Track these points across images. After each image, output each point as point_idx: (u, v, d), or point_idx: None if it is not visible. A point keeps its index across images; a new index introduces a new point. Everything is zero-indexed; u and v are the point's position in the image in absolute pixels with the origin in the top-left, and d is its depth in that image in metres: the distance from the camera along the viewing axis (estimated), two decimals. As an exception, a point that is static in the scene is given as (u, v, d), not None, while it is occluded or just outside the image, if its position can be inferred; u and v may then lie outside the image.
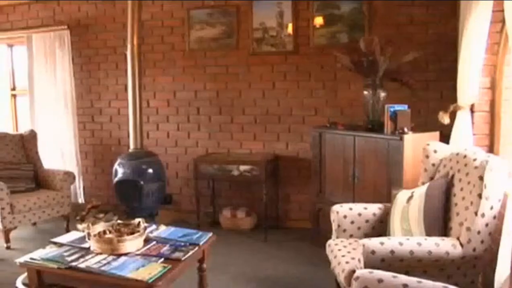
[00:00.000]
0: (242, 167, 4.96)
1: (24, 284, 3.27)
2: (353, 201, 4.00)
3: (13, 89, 6.88)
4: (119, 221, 3.31)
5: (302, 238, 4.95)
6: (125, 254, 2.88)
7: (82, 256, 2.89)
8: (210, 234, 3.28)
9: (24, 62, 6.45)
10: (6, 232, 4.92)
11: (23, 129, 6.26)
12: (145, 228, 3.16)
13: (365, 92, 4.33)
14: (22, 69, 6.61)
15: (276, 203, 5.40)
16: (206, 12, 5.50)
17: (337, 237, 3.36)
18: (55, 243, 3.19)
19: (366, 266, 2.55)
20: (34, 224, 5.49)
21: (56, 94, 6.20)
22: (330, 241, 3.32)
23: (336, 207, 3.42)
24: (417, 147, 3.65)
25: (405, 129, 3.80)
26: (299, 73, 5.22)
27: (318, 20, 5.09)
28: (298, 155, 5.32)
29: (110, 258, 2.83)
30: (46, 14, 6.29)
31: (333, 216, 3.41)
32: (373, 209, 3.39)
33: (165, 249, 2.98)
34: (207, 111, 5.61)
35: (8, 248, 4.89)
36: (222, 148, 5.58)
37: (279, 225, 5.36)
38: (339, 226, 3.36)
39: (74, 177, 5.57)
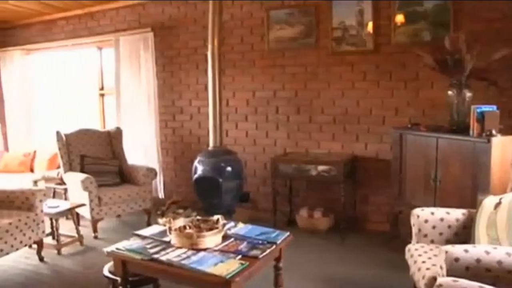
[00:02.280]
0: (320, 167, 4.92)
1: (110, 272, 3.45)
2: (434, 205, 3.86)
3: (102, 89, 7.27)
4: (198, 217, 3.40)
5: (379, 241, 4.85)
6: (204, 250, 2.96)
7: (163, 249, 3.01)
8: (287, 234, 3.29)
9: (111, 63, 6.79)
10: (94, 223, 5.24)
11: (110, 126, 6.61)
12: (224, 225, 3.23)
13: (450, 92, 4.16)
14: (109, 70, 6.96)
15: (354, 204, 5.32)
16: (285, 12, 5.51)
17: (417, 242, 3.26)
18: (138, 235, 3.34)
19: (449, 274, 2.44)
20: (118, 216, 5.77)
21: (140, 93, 6.48)
22: (409, 246, 3.23)
23: (416, 211, 3.31)
24: (506, 151, 3.46)
25: (493, 131, 3.61)
26: (379, 72, 5.10)
27: (400, 18, 4.94)
28: (377, 156, 5.20)
29: (190, 252, 2.92)
30: (132, 18, 6.60)
31: (413, 220, 3.31)
32: (457, 214, 3.25)
33: (243, 246, 3.03)
34: (285, 111, 5.63)
35: (95, 237, 5.20)
36: (300, 148, 5.58)
37: (356, 227, 5.27)
38: (419, 230, 3.25)
39: (155, 173, 5.81)
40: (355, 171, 5.25)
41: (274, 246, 3.08)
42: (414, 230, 3.29)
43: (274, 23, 5.59)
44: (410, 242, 3.30)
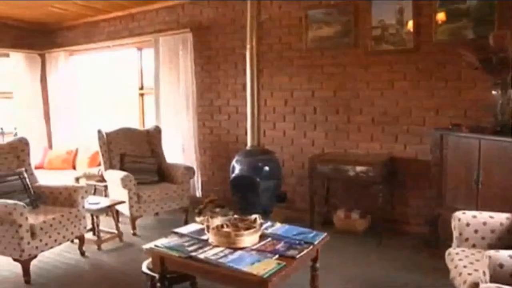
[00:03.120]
0: (358, 168, 4.87)
1: (148, 268, 3.51)
2: (476, 209, 3.76)
3: (141, 88, 7.41)
4: (236, 216, 3.42)
5: (418, 244, 4.75)
6: (241, 249, 2.98)
7: (201, 247, 3.04)
8: (325, 234, 3.27)
9: (151, 63, 6.90)
10: (133, 220, 5.34)
11: (149, 125, 6.73)
12: (261, 224, 3.24)
13: (494, 92, 4.04)
14: (149, 70, 7.08)
15: (392, 206, 5.24)
16: (323, 12, 5.48)
17: (458, 246, 3.18)
18: (176, 233, 3.38)
19: (492, 280, 2.37)
20: (157, 214, 5.85)
21: (178, 93, 6.56)
22: (450, 250, 3.16)
23: (457, 214, 3.23)
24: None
25: (540, 132, 3.49)
26: (420, 72, 5.00)
27: (441, 16, 4.82)
28: (416, 157, 5.10)
29: (227, 251, 2.94)
30: (171, 19, 6.69)
31: (454, 223, 3.23)
32: (501, 218, 3.15)
33: (280, 246, 3.03)
34: (323, 111, 5.59)
35: (134, 234, 5.31)
36: (338, 148, 5.53)
37: (394, 228, 5.18)
38: (460, 234, 3.17)
39: (193, 172, 5.88)
40: (393, 172, 5.16)
41: (311, 247, 3.07)
42: (455, 233, 3.21)
43: (312, 23, 5.56)
44: (450, 246, 3.23)
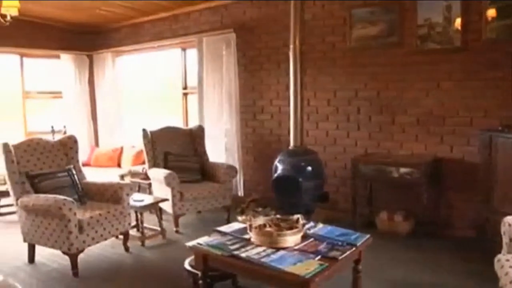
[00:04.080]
0: (402, 169, 4.78)
1: (191, 265, 3.56)
2: (528, 213, 3.62)
3: (185, 88, 7.50)
4: (278, 216, 3.42)
5: (464, 249, 4.60)
6: (283, 248, 2.97)
7: (243, 246, 3.05)
8: (368, 236, 3.22)
9: (194, 63, 6.98)
10: (176, 218, 5.42)
11: (193, 124, 6.81)
12: (304, 225, 3.23)
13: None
14: (192, 70, 7.17)
15: (437, 208, 5.11)
16: (367, 10, 5.40)
17: (508, 252, 3.06)
18: (219, 231, 3.41)
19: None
20: (199, 212, 5.93)
21: (221, 92, 6.61)
22: (499, 256, 3.04)
23: (508, 219, 3.11)
24: None
25: None
26: (467, 71, 4.85)
27: (491, 13, 4.65)
28: (463, 158, 4.95)
29: (269, 250, 2.94)
30: (214, 19, 6.76)
31: (503, 229, 3.11)
32: (554, 223, 3.03)
33: (322, 247, 3.01)
34: (367, 111, 5.52)
35: (177, 232, 5.39)
36: (382, 149, 5.45)
37: (439, 232, 5.03)
38: (511, 240, 3.06)
39: (236, 171, 5.91)
40: (438, 174, 5.04)
41: (354, 248, 3.03)
42: (505, 239, 3.10)
43: (356, 22, 5.49)
44: (498, 252, 3.12)
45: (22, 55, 8.03)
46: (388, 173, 4.88)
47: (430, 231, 4.90)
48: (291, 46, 5.41)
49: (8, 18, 5.14)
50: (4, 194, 5.67)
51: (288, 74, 5.55)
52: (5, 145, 4.49)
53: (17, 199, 4.43)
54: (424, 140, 5.17)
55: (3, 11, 5.08)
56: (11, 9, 5.07)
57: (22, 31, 7.28)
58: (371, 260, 3.93)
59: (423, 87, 5.13)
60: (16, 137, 6.13)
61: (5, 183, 5.36)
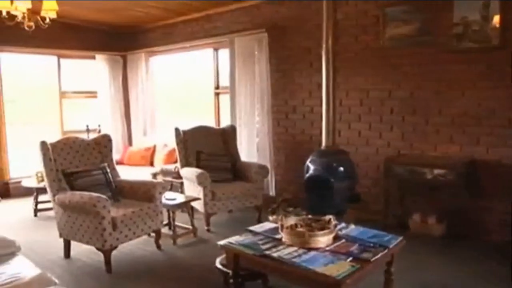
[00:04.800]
0: (436, 171, 4.70)
1: (222, 264, 3.58)
2: None
3: (217, 88, 7.55)
4: (310, 216, 3.41)
5: (500, 254, 4.45)
6: (315, 249, 2.97)
7: (274, 246, 3.06)
8: (400, 238, 3.19)
9: (226, 63, 7.03)
10: (207, 216, 5.46)
11: (224, 124, 6.85)
12: (336, 226, 3.21)
13: None
14: (224, 70, 7.21)
15: (472, 211, 4.98)
16: (401, 9, 5.31)
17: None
18: (250, 231, 3.42)
19: None
20: (230, 211, 5.97)
21: (253, 92, 6.62)
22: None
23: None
24: None
25: None
26: (505, 70, 4.69)
27: (533, 9, 4.53)
28: (500, 160, 4.82)
29: (301, 251, 2.94)
30: (246, 19, 6.78)
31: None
32: None
33: (354, 248, 2.99)
34: (400, 111, 5.43)
35: (208, 230, 5.43)
36: (415, 150, 5.35)
37: (473, 235, 4.90)
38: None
39: (267, 171, 5.92)
40: (474, 176, 4.91)
41: (386, 250, 3.00)
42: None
43: (390, 21, 5.41)
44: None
45: (59, 56, 8.23)
46: (422, 174, 4.80)
47: (465, 234, 4.79)
48: (324, 46, 5.38)
49: (47, 20, 5.28)
50: (42, 190, 5.84)
51: (320, 73, 5.52)
52: (43, 144, 4.61)
53: (54, 196, 4.55)
54: (459, 141, 5.06)
55: (43, 14, 5.23)
56: (50, 12, 5.21)
57: (60, 33, 7.47)
58: (404, 262, 3.87)
59: (458, 87, 5.01)
60: (53, 136, 6.30)
61: (42, 180, 5.54)
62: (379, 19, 5.48)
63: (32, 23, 5.28)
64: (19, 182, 6.96)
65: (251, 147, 6.68)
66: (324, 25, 5.36)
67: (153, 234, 4.87)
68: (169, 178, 6.39)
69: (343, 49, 5.75)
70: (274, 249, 2.99)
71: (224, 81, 7.28)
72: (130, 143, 8.79)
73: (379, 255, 2.90)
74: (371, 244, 3.04)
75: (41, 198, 6.28)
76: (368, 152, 5.72)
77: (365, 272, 2.78)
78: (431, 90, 5.19)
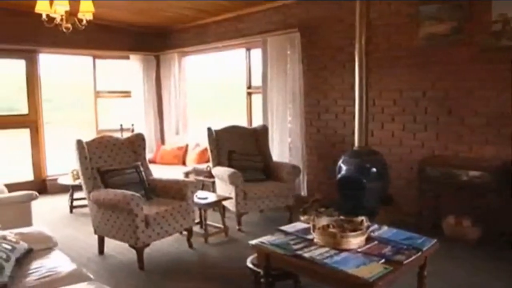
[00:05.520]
0: (472, 173, 4.59)
1: (253, 263, 3.59)
2: None
3: (249, 87, 7.57)
4: (342, 217, 3.38)
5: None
6: (347, 250, 2.94)
7: (306, 247, 3.05)
8: (434, 241, 3.13)
9: (258, 63, 7.04)
10: (239, 216, 5.49)
11: (257, 123, 6.86)
12: (368, 227, 3.18)
13: None
14: (257, 69, 7.22)
15: (509, 214, 4.84)
16: (436, 7, 5.21)
17: None
18: (282, 231, 3.42)
19: None
20: (261, 211, 5.97)
21: (286, 92, 6.61)
22: None
23: None
24: None
25: None
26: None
27: None
28: (539, 163, 4.69)
29: (333, 252, 2.93)
30: (278, 19, 6.77)
31: None
32: None
33: (387, 250, 2.96)
34: (435, 111, 5.33)
35: (239, 230, 5.45)
36: (450, 151, 5.24)
37: (510, 239, 4.78)
38: None
39: (299, 171, 5.91)
40: (511, 178, 4.78)
41: (419, 253, 2.96)
42: None
43: (424, 20, 5.32)
44: None
45: (94, 57, 8.41)
46: (457, 176, 4.71)
47: (503, 239, 4.66)
48: (356, 45, 5.33)
49: (84, 22, 5.40)
50: (77, 188, 5.97)
51: (353, 73, 5.47)
52: (79, 142, 4.72)
53: (89, 193, 4.65)
54: (496, 142, 4.92)
55: (80, 16, 5.35)
56: (87, 14, 5.33)
57: (95, 34, 7.62)
58: (438, 265, 3.82)
59: (495, 86, 4.88)
60: (88, 135, 6.44)
61: (78, 178, 5.67)
62: (413, 18, 5.40)
63: (69, 25, 5.42)
64: (56, 179, 7.15)
65: (283, 147, 6.67)
66: (357, 25, 5.31)
67: (185, 233, 4.93)
68: (201, 177, 6.44)
69: (376, 49, 5.69)
70: (305, 250, 2.98)
71: (256, 80, 7.29)
72: (162, 142, 8.90)
73: (412, 258, 2.86)
74: (404, 246, 3.00)
75: (77, 195, 6.43)
76: (402, 153, 5.64)
77: (398, 274, 2.74)
78: (466, 89, 5.08)
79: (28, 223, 4.53)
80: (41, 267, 2.98)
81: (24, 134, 7.76)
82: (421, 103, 5.44)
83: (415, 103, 5.49)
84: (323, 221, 3.28)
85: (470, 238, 4.83)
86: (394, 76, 5.63)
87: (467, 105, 5.09)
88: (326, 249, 2.97)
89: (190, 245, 4.91)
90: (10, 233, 3.18)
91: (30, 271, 2.91)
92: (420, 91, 5.43)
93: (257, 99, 7.30)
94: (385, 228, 3.39)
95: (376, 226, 3.41)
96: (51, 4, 5.14)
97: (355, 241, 2.99)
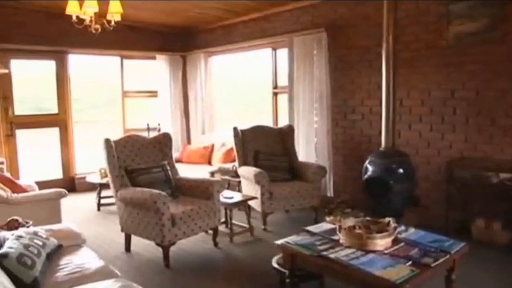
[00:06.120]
0: (502, 175, 4.50)
1: (278, 263, 3.59)
2: None
3: (275, 87, 7.57)
4: (368, 218, 3.36)
5: None
6: (373, 251, 2.92)
7: (331, 247, 3.04)
8: (463, 244, 3.08)
9: (284, 63, 7.02)
10: (264, 216, 5.49)
11: (282, 123, 6.85)
12: (395, 228, 3.15)
13: None
14: (283, 69, 7.21)
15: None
16: (467, 5, 5.11)
17: None
18: (307, 231, 3.42)
19: None
20: (287, 211, 5.97)
21: (312, 92, 6.57)
22: None
23: None
24: None
25: None
26: None
27: None
28: None
29: (359, 253, 2.91)
30: (305, 19, 6.74)
31: None
32: None
33: (414, 252, 2.92)
34: (464, 112, 5.22)
35: (264, 229, 5.46)
36: (479, 152, 5.12)
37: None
38: None
39: (325, 171, 5.88)
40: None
41: (447, 256, 2.91)
42: None
43: (454, 18, 5.22)
44: None
45: (122, 57, 8.53)
46: (486, 178, 4.62)
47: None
48: (384, 45, 5.27)
49: (112, 23, 5.49)
50: (105, 186, 6.07)
51: (380, 73, 5.41)
52: (107, 141, 4.79)
53: (116, 192, 4.72)
54: (528, 143, 4.82)
55: (108, 17, 5.44)
56: (115, 15, 5.41)
57: (123, 34, 7.71)
58: (467, 270, 3.73)
59: (528, 87, 4.78)
60: (115, 134, 6.53)
61: (106, 176, 5.75)
62: (442, 16, 5.31)
63: (98, 26, 5.51)
64: (84, 177, 7.28)
65: (309, 147, 6.64)
66: (384, 24, 5.26)
67: (210, 232, 4.96)
68: (227, 177, 6.46)
69: (404, 48, 5.61)
70: (331, 250, 2.97)
71: (283, 80, 7.28)
72: (188, 141, 8.97)
73: (440, 261, 2.81)
74: (432, 249, 2.96)
75: (104, 193, 6.53)
76: (429, 154, 5.55)
77: (425, 277, 2.70)
78: (498, 89, 4.96)
79: (58, 220, 4.64)
80: (70, 263, 3.04)
81: (54, 133, 7.93)
82: (450, 103, 5.34)
83: (443, 103, 5.39)
84: (349, 222, 3.26)
85: (500, 242, 4.73)
86: (422, 76, 5.55)
87: (499, 105, 4.97)
88: (352, 250, 2.95)
89: (216, 244, 4.93)
90: (41, 229, 3.25)
91: (60, 267, 2.98)
92: (449, 91, 5.33)
93: (283, 99, 7.28)
94: (412, 230, 3.35)
95: (403, 227, 3.38)
96: (80, 6, 5.24)
97: (382, 242, 2.97)
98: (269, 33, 7.31)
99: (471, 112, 5.17)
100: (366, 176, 5.22)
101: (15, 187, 4.94)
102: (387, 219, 3.21)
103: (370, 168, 5.21)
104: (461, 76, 5.22)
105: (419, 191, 5.47)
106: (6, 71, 6.80)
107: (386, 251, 2.92)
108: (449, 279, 3.12)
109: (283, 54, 7.16)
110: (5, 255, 2.63)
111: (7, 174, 5.65)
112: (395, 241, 3.08)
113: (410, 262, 2.76)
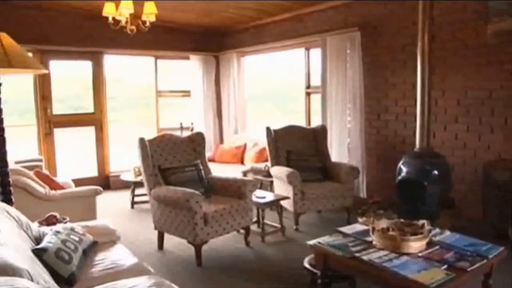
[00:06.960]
0: (543, 178, 4.36)
1: (310, 264, 3.58)
2: None
3: (308, 87, 7.54)
4: (402, 220, 3.31)
5: None
6: (407, 254, 2.88)
7: (364, 249, 3.01)
8: (502, 249, 3.00)
9: (318, 63, 6.98)
10: (296, 216, 5.48)
11: (315, 123, 6.82)
12: (430, 231, 3.09)
13: None
14: (316, 69, 7.18)
15: None
16: (508, 2, 4.94)
17: None
18: (340, 232, 3.39)
19: None
20: (319, 211, 5.94)
21: (345, 92, 6.52)
22: None
23: None
24: None
25: None
26: None
27: None
28: None
29: (392, 255, 2.87)
30: (338, 18, 6.69)
31: None
32: None
33: (449, 256, 2.87)
34: (503, 112, 5.07)
35: (296, 230, 5.45)
36: (518, 154, 5.01)
37: None
38: None
39: (358, 172, 5.82)
40: None
41: (484, 260, 2.84)
42: None
43: (493, 15, 5.08)
44: None
45: (156, 57, 8.64)
46: (526, 180, 4.48)
47: None
48: (419, 44, 5.18)
49: (147, 24, 5.57)
50: (139, 184, 6.16)
51: (414, 73, 5.31)
52: (142, 140, 4.86)
53: (150, 190, 4.79)
54: None
55: (144, 18, 5.53)
56: (150, 16, 5.50)
57: (157, 35, 7.81)
58: (504, 275, 3.63)
59: None
60: (149, 133, 6.63)
61: (139, 175, 5.85)
62: (481, 14, 5.17)
63: (134, 27, 5.61)
64: (118, 176, 7.41)
65: (342, 147, 6.59)
66: (420, 22, 5.15)
67: (242, 231, 4.97)
68: (259, 177, 6.48)
69: (440, 47, 5.50)
70: (364, 252, 2.95)
71: (316, 80, 7.24)
72: (221, 141, 9.02)
73: (477, 265, 2.75)
74: (468, 253, 2.90)
75: (138, 191, 6.64)
76: (465, 155, 5.43)
77: (461, 282, 2.65)
78: (538, 89, 4.82)
79: (93, 216, 4.75)
80: (105, 259, 3.11)
81: (90, 132, 8.10)
82: (487, 103, 5.20)
83: (480, 104, 5.26)
84: (383, 223, 3.22)
85: (540, 246, 4.58)
86: (459, 76, 5.43)
87: (539, 106, 4.83)
88: (385, 252, 2.91)
89: (247, 244, 4.95)
90: (77, 226, 3.33)
91: (95, 262, 3.05)
92: (487, 91, 5.20)
93: (316, 99, 7.25)
94: (447, 233, 3.29)
95: (438, 230, 3.31)
96: (116, 7, 5.34)
97: (416, 245, 2.92)
98: (301, 33, 7.28)
99: (510, 112, 5.03)
100: (399, 177, 5.13)
101: (53, 184, 5.08)
102: (421, 221, 3.16)
103: (404, 169, 5.12)
104: (500, 76, 5.08)
105: (454, 193, 5.34)
106: (46, 71, 6.97)
107: (420, 254, 2.88)
108: (486, 285, 3.05)
109: (316, 53, 7.12)
110: (44, 249, 2.71)
111: (45, 171, 5.81)
112: (430, 244, 3.03)
113: (445, 266, 2.71)
